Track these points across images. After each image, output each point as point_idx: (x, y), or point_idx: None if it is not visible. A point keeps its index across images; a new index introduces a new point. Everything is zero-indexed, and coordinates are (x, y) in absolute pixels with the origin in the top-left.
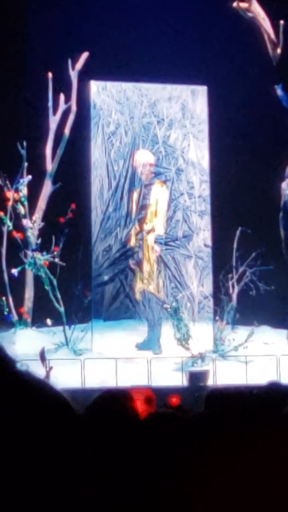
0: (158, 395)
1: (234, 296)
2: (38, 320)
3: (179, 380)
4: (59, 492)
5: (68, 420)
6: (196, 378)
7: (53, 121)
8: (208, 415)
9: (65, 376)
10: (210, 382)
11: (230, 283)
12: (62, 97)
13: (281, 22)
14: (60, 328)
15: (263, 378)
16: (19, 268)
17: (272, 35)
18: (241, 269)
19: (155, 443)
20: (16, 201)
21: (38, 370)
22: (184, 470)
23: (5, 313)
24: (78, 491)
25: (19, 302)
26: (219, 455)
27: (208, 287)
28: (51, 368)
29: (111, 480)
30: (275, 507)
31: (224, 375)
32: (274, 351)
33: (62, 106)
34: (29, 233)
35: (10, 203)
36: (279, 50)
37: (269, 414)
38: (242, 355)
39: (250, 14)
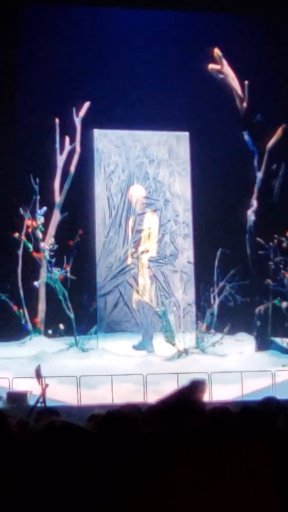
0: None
1: (215, 307)
2: (50, 328)
3: None
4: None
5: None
6: None
7: (60, 160)
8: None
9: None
10: (205, 398)
11: (211, 295)
12: (67, 139)
13: (246, 82)
14: (67, 337)
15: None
16: (39, 281)
17: (240, 92)
18: (221, 284)
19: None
20: (35, 228)
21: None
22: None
23: (23, 322)
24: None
25: (33, 314)
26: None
27: (191, 296)
28: (47, 385)
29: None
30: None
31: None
32: (244, 347)
33: (67, 147)
34: (46, 253)
35: (30, 230)
36: (245, 104)
37: (265, 427)
38: (238, 371)
39: (221, 76)
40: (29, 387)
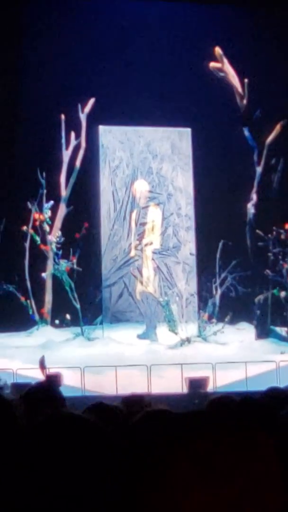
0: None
1: (217, 297)
2: (57, 318)
3: (179, 387)
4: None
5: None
6: (196, 384)
7: (66, 155)
8: (196, 415)
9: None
10: (209, 388)
11: (213, 286)
12: (73, 135)
13: (246, 80)
14: (73, 327)
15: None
16: (47, 272)
17: (240, 89)
18: (223, 275)
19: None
20: (42, 221)
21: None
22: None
23: (30, 313)
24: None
25: (40, 304)
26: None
27: (193, 286)
28: None
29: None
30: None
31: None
32: (245, 335)
33: (73, 142)
34: (53, 246)
35: (37, 223)
36: (245, 101)
37: (268, 417)
38: (241, 361)
39: (221, 74)
40: (34, 377)
